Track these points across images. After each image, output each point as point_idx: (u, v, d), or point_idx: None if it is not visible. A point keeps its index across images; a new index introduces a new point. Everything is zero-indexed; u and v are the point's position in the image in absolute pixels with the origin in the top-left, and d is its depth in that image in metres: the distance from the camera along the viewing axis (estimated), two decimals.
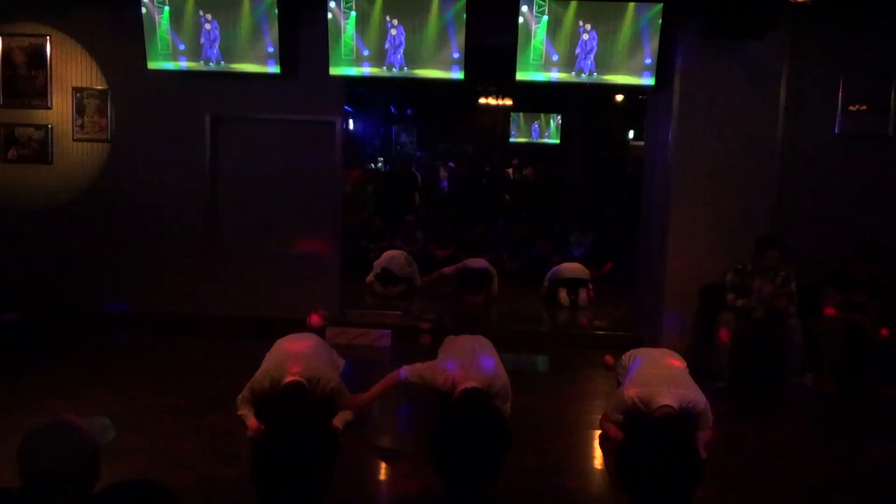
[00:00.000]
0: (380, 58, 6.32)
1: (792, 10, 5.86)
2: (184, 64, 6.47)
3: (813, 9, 6.04)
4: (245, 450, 4.06)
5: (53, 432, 2.24)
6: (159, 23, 6.37)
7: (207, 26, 6.36)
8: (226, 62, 6.43)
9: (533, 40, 6.16)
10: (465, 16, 6.11)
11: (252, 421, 4.28)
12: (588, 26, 6.12)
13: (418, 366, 4.44)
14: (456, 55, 6.23)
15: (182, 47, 6.42)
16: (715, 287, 5.92)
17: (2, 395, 4.88)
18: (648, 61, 6.13)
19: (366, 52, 6.32)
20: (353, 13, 6.23)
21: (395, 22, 6.25)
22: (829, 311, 5.70)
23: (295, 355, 4.43)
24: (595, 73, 6.22)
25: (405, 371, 4.44)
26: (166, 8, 6.34)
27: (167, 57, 6.46)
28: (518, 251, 10.17)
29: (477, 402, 3.90)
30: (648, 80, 6.21)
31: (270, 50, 6.36)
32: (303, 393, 4.20)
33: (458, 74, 6.29)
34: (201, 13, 6.34)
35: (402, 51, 6.28)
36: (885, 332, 5.54)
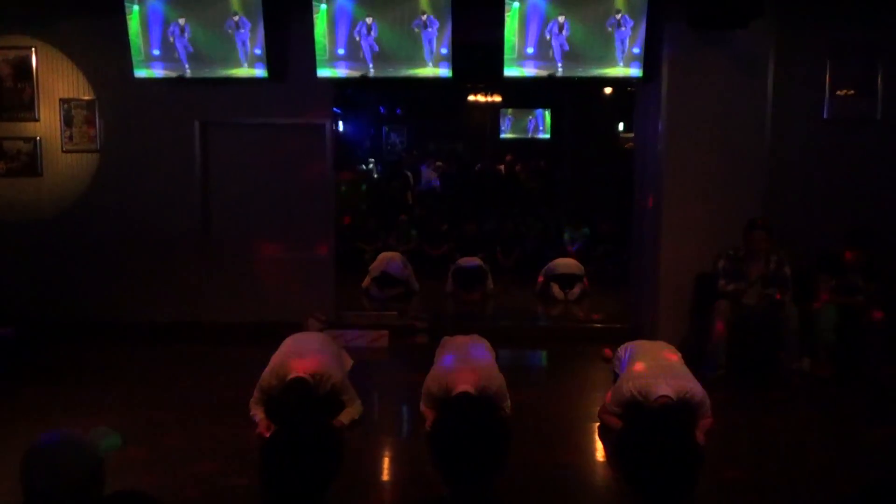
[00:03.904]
0: (357, 58, 6.24)
1: None
2: (158, 71, 6.37)
3: None
4: (246, 455, 4.08)
5: (54, 446, 2.23)
6: (129, 26, 6.23)
7: (181, 30, 6.24)
8: (207, 68, 6.34)
9: (504, 32, 6.09)
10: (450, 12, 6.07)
11: (262, 419, 4.37)
12: (567, 16, 6.08)
13: (423, 392, 4.50)
14: (444, 52, 6.18)
15: (157, 53, 6.32)
16: (709, 276, 5.94)
17: (0, 411, 4.87)
18: (636, 51, 6.11)
19: (340, 52, 6.24)
20: (323, 6, 6.13)
21: (371, 19, 6.18)
22: (824, 297, 5.73)
23: (300, 353, 4.55)
24: (579, 67, 6.19)
25: (422, 403, 4.50)
26: (135, 9, 6.19)
27: (140, 64, 6.34)
28: (512, 247, 10.19)
29: (467, 406, 3.95)
30: (636, 72, 6.21)
31: (257, 53, 6.29)
32: (306, 388, 4.31)
33: (446, 72, 6.24)
34: (176, 17, 6.21)
35: (383, 49, 6.23)
36: (878, 314, 5.57)
